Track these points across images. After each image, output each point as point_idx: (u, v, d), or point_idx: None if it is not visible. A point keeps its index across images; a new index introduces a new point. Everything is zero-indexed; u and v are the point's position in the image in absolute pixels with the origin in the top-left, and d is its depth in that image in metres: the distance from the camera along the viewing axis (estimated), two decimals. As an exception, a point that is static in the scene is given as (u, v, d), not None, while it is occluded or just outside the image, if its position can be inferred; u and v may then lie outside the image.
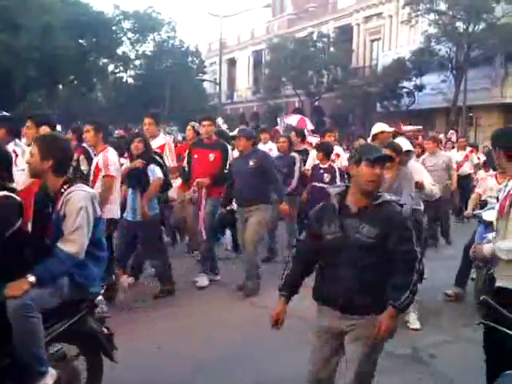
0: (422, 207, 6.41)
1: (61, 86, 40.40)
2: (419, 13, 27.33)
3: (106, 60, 41.81)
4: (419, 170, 6.37)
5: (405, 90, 29.68)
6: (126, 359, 4.01)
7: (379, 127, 8.24)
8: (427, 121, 28.76)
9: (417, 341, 5.32)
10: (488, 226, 5.76)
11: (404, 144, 6.20)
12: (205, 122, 7.26)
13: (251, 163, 6.69)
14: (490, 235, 4.15)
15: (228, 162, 7.14)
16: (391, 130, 8.37)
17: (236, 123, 28.13)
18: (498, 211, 3.46)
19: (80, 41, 38.14)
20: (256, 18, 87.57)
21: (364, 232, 3.09)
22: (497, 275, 3.39)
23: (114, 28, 40.83)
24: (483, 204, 7.39)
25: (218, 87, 40.68)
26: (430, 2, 26.59)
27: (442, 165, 9.75)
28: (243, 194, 6.72)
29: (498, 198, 3.61)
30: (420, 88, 28.87)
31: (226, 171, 7.09)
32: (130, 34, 42.58)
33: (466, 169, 12.98)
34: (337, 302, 3.20)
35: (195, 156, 7.25)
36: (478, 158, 13.80)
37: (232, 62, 49.19)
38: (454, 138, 15.98)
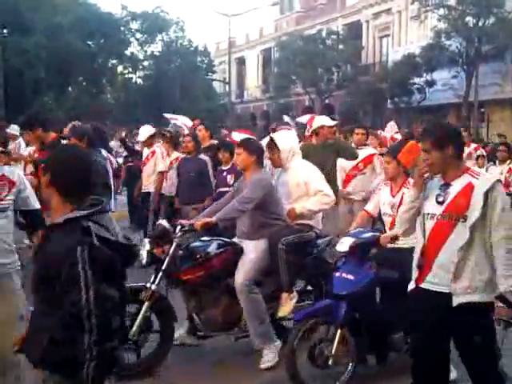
0: (315, 223, 5.10)
1: (70, 88, 40.56)
2: (428, 8, 27.16)
3: (114, 61, 41.89)
4: (297, 174, 5.02)
5: (415, 86, 29.50)
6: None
7: (320, 121, 7.06)
8: (438, 117, 28.58)
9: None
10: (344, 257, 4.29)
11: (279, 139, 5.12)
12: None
13: None
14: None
15: None
16: (333, 123, 7.21)
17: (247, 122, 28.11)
18: None
19: (88, 42, 38.27)
20: (264, 16, 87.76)
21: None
22: None
23: (122, 29, 40.90)
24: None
25: (227, 86, 40.70)
26: (439, -3, 26.45)
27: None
28: None
29: None
30: (431, 84, 28.64)
31: None
32: (138, 35, 42.62)
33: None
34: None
35: None
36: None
37: (241, 61, 49.15)
38: None
